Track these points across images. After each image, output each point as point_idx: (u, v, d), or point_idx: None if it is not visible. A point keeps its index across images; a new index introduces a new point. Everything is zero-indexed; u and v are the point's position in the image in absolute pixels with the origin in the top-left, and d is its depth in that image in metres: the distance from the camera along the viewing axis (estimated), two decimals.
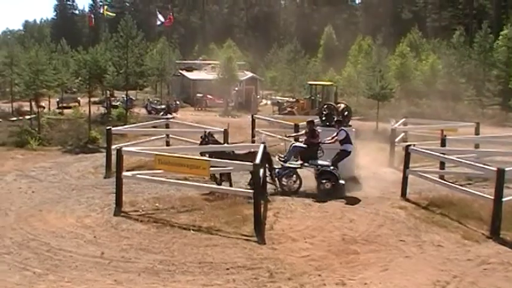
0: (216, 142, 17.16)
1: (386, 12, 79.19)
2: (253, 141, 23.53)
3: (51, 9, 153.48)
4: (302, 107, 40.74)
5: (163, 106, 43.00)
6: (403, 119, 25.69)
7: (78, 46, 55.15)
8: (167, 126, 23.56)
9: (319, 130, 17.70)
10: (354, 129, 19.29)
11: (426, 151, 17.00)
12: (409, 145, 17.22)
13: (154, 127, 24.16)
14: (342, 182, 16.49)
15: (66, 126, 28.52)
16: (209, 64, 59.39)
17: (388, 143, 22.38)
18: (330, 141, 17.22)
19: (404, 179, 16.36)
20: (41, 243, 12.03)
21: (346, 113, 19.16)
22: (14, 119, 31.64)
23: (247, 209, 13.87)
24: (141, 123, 26.44)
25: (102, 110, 39.40)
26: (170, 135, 22.51)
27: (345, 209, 14.96)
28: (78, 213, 14.20)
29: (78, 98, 46.04)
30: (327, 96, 39.51)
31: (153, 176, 15.34)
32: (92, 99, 38.59)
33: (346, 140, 17.11)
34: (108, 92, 44.24)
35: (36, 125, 28.47)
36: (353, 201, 15.84)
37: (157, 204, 15.03)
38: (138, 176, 15.73)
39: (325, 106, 19.75)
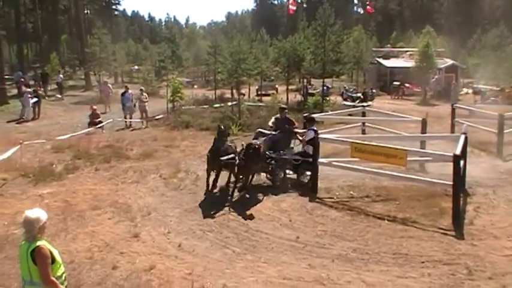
0: None
1: None
2: (452, 132, 22.57)
3: (252, 0, 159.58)
4: (508, 96, 38.16)
5: (359, 94, 42.75)
6: None
7: (277, 35, 56.76)
8: (363, 114, 23.40)
9: None
10: None
11: None
12: None
13: (350, 115, 24.13)
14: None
15: (264, 112, 29.50)
16: (407, 51, 57.86)
17: None
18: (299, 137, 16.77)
19: None
20: (240, 223, 12.65)
21: None
22: (217, 105, 33.44)
23: (445, 201, 13.36)
24: (337, 111, 26.55)
25: (299, 97, 40.18)
26: (366, 124, 22.33)
27: None
28: (275, 197, 14.67)
29: (276, 86, 47.43)
30: None
31: (348, 164, 15.33)
32: (290, 87, 39.58)
33: (312, 143, 15.70)
34: (305, 79, 45.00)
35: (237, 112, 29.87)
36: None
37: (351, 192, 15.02)
38: (334, 163, 15.81)
39: None
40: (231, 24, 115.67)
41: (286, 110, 18.06)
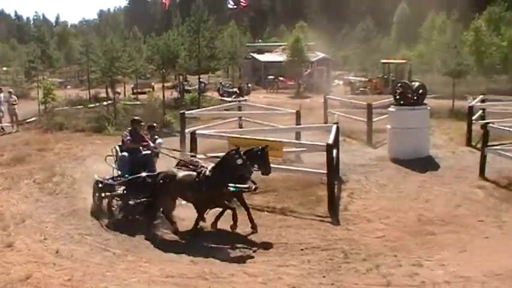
0: None
1: None
2: (325, 123, 23.39)
3: None
4: (375, 87, 40.06)
5: (235, 89, 43.24)
6: (481, 96, 24.86)
7: (151, 32, 56.11)
8: (239, 108, 23.70)
9: None
10: (429, 108, 18.91)
11: (506, 128, 16.43)
12: (488, 123, 16.67)
13: (226, 110, 24.36)
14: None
15: (141, 111, 29.11)
16: (280, 46, 59.21)
17: (465, 121, 21.69)
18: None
19: (483, 157, 15.86)
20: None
21: (421, 91, 18.72)
22: (92, 105, 32.60)
23: (321, 190, 13.84)
24: (214, 107, 26.71)
25: (176, 94, 40.01)
26: (243, 118, 22.65)
27: (420, 189, 14.70)
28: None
29: (152, 84, 46.95)
30: (401, 75, 38.72)
31: None
32: (166, 84, 39.29)
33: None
34: (181, 76, 44.86)
35: (113, 111, 29.27)
36: (429, 181, 15.53)
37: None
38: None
39: (399, 85, 19.35)
40: (103, 22, 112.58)
41: (142, 124, 14.22)
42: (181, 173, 11.90)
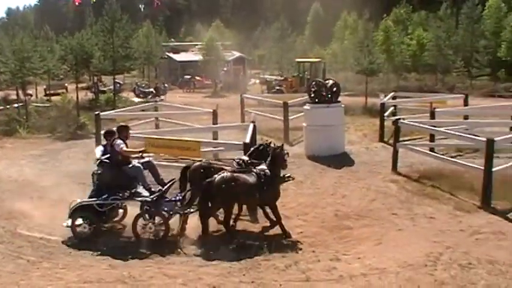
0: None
1: None
2: (242, 121, 23.52)
3: None
4: (291, 85, 40.57)
5: (151, 89, 42.79)
6: (392, 93, 25.71)
7: (64, 32, 54.65)
8: (156, 109, 23.47)
9: None
10: (343, 105, 19.35)
11: (416, 124, 17.06)
12: (399, 119, 17.25)
13: (143, 110, 24.06)
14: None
15: (54, 113, 28.21)
16: (196, 45, 59.05)
17: (377, 117, 22.35)
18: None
19: (395, 152, 16.42)
20: (34, 231, 12.00)
21: (334, 89, 19.14)
22: (1, 108, 31.35)
23: None
24: (130, 107, 26.30)
25: (90, 95, 39.17)
26: (159, 118, 22.45)
27: (337, 185, 15.04)
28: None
29: (66, 85, 45.66)
30: (315, 73, 39.36)
31: None
32: (80, 85, 38.39)
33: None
34: (95, 77, 43.94)
35: (24, 113, 28.26)
36: (345, 176, 15.89)
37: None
38: None
39: (314, 83, 19.70)
40: (12, 20, 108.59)
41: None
42: (241, 175, 11.27)
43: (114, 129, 12.32)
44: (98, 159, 11.84)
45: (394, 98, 24.90)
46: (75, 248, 10.99)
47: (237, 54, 55.79)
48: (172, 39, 67.18)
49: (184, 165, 12.52)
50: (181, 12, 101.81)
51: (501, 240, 10.86)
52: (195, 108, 23.32)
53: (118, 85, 39.34)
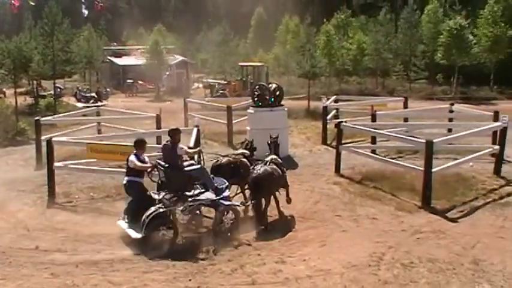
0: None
1: None
2: (186, 126, 23.41)
3: None
4: (234, 89, 40.62)
5: (93, 94, 42.07)
6: (334, 97, 26.05)
7: (1, 35, 53.19)
8: (98, 114, 23.09)
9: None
10: (286, 109, 19.50)
11: (357, 127, 17.33)
12: (341, 122, 17.49)
13: (84, 115, 23.63)
14: None
15: None
16: (138, 49, 58.42)
17: (320, 120, 22.60)
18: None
19: (338, 155, 16.65)
20: None
21: (278, 92, 19.27)
22: None
23: None
24: (71, 112, 25.78)
25: (30, 100, 38.23)
26: (101, 123, 22.10)
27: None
28: (10, 207, 13.77)
29: (4, 89, 44.41)
30: (258, 77, 39.51)
31: (86, 166, 15.05)
32: (18, 90, 37.41)
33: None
34: (35, 81, 42.91)
35: None
36: (289, 179, 15.95)
37: (92, 194, 14.79)
38: (71, 166, 15.36)
39: (257, 87, 19.78)
40: None
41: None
42: (273, 167, 12.43)
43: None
44: (160, 165, 11.55)
45: (336, 101, 25.23)
46: (14, 257, 10.67)
47: (179, 58, 55.48)
48: (114, 43, 66.19)
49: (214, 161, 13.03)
50: (123, 16, 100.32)
51: (441, 239, 11.18)
52: (138, 113, 23.05)
53: (58, 90, 38.51)
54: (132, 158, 11.64)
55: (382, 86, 48.07)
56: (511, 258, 10.20)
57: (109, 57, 57.89)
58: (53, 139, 15.05)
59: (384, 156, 17.29)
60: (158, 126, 19.17)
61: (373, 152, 17.81)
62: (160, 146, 13.00)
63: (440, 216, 12.62)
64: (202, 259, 10.34)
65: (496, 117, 18.14)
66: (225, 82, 44.02)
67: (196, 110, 25.94)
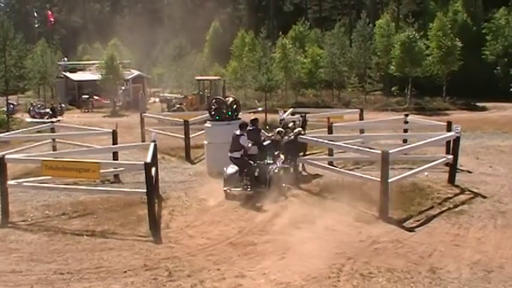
0: None
1: (269, 6, 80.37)
2: (143, 141, 23.24)
3: None
4: (191, 103, 40.47)
5: (47, 110, 41.37)
6: (291, 109, 26.21)
7: None
8: (53, 130, 22.72)
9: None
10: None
11: (314, 139, 17.47)
12: (298, 134, 17.60)
13: (39, 132, 23.21)
14: None
15: None
16: (93, 64, 57.74)
17: None
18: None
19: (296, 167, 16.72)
20: None
21: (235, 106, 19.29)
22: None
23: (142, 209, 13.67)
24: (24, 129, 25.26)
25: None
26: (56, 140, 21.75)
27: (240, 202, 15.08)
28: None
29: None
30: (215, 91, 39.47)
31: (41, 183, 14.77)
32: None
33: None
34: None
35: None
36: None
37: (47, 212, 14.50)
38: (25, 184, 15.07)
39: (214, 100, 19.76)
40: None
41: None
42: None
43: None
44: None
45: (293, 114, 25.37)
46: None
47: (136, 72, 55.04)
48: (65, 58, 65.18)
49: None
50: (77, 31, 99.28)
51: (398, 248, 11.31)
52: (94, 129, 22.79)
53: (11, 106, 37.73)
54: (244, 139, 15.49)
55: (338, 98, 48.61)
56: (466, 265, 10.38)
57: (63, 73, 57.09)
58: (6, 156, 14.71)
59: (342, 168, 17.46)
60: (115, 142, 18.96)
61: (331, 163, 17.96)
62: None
63: (397, 226, 12.78)
64: (161, 275, 10.22)
65: (449, 128, 18.54)
66: (182, 96, 43.86)
67: (153, 124, 25.77)
